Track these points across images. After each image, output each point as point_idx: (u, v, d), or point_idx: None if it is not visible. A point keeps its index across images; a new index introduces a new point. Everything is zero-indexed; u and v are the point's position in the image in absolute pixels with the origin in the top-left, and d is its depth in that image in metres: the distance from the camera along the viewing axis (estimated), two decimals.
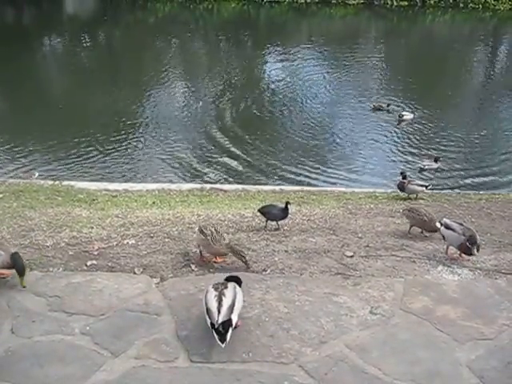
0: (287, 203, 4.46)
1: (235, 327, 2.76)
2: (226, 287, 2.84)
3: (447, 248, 3.88)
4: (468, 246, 3.62)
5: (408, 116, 10.89)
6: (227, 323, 2.67)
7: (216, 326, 2.64)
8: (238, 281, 2.99)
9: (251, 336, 2.84)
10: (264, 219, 4.55)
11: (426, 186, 6.26)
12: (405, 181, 6.21)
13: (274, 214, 4.45)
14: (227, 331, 2.65)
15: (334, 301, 3.18)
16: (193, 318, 2.96)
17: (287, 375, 2.59)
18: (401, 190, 6.25)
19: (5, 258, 3.11)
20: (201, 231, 3.58)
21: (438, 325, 3.00)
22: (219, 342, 2.63)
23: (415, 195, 6.22)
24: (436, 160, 8.76)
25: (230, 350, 2.73)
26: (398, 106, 11.63)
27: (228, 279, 2.97)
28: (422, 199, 6.13)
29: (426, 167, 8.70)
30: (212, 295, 2.78)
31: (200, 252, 3.63)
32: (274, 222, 4.52)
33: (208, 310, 2.72)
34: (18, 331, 2.83)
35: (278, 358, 2.69)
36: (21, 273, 3.08)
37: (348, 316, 3.04)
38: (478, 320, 3.05)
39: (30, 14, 24.09)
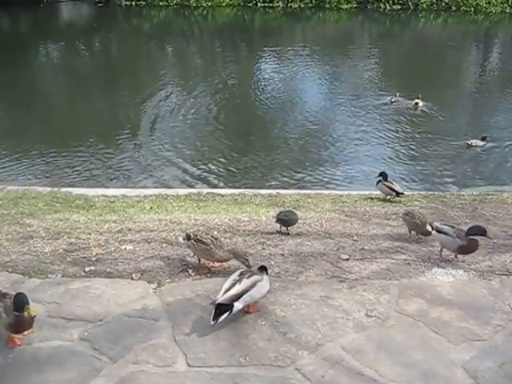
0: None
1: (248, 312, 3.01)
2: (249, 276, 3.00)
3: (441, 250, 3.92)
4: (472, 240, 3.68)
5: (421, 103, 11.92)
6: (225, 307, 2.84)
7: (212, 303, 2.87)
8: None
9: (248, 340, 2.87)
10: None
11: (398, 194, 6.19)
12: (382, 180, 6.27)
13: (294, 219, 4.47)
14: (222, 314, 2.83)
15: (330, 304, 3.21)
16: (190, 323, 2.99)
17: (284, 378, 2.62)
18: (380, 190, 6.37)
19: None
20: (198, 240, 3.49)
21: (433, 326, 3.03)
22: (211, 319, 2.83)
23: (385, 195, 6.24)
24: (483, 139, 9.59)
25: (227, 353, 2.76)
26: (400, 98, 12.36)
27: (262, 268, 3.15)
28: (417, 201, 6.17)
29: (473, 144, 9.49)
30: (232, 277, 3.02)
31: (199, 260, 3.62)
32: (278, 225, 4.54)
33: (221, 289, 2.94)
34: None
35: (275, 361, 2.72)
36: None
37: (344, 319, 3.07)
38: (473, 321, 3.09)
39: (25, 22, 24.10)
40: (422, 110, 11.84)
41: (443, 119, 11.36)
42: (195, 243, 3.51)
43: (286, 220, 4.44)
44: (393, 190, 6.20)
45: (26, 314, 2.68)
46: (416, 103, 11.94)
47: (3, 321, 2.71)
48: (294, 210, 4.74)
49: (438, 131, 10.52)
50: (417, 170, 8.90)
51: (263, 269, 3.18)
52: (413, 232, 4.40)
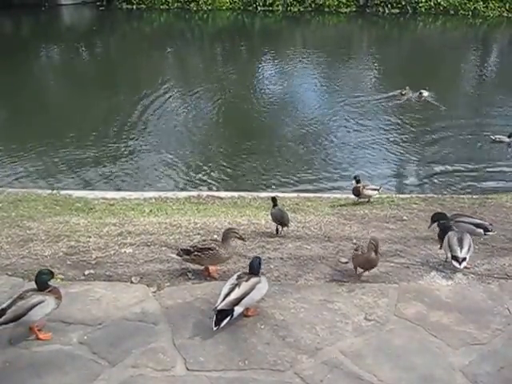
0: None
1: (247, 316, 3.02)
2: (247, 280, 3.01)
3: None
4: None
5: (426, 93, 12.63)
6: (226, 312, 2.87)
7: (213, 310, 2.90)
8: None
9: (247, 344, 2.87)
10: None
11: (378, 190, 6.18)
12: (359, 185, 6.08)
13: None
14: (223, 319, 2.86)
15: (329, 307, 3.22)
16: (189, 327, 3.00)
17: (283, 383, 2.62)
18: (356, 195, 6.06)
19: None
20: (203, 249, 3.44)
21: (432, 330, 3.04)
22: (212, 325, 2.86)
23: (367, 199, 6.16)
24: (510, 136, 9.72)
25: (226, 358, 2.76)
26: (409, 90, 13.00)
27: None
28: (415, 204, 6.15)
29: (497, 139, 9.74)
30: (230, 282, 3.02)
31: (207, 269, 3.59)
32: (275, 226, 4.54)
33: (219, 294, 2.96)
34: (16, 342, 2.85)
35: (274, 365, 2.73)
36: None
37: (343, 322, 3.08)
38: (471, 325, 3.10)
39: (27, 25, 24.18)
40: (426, 100, 12.43)
41: (448, 113, 11.67)
42: (200, 253, 3.45)
43: (286, 220, 4.44)
44: (374, 189, 6.16)
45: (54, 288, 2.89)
46: (420, 93, 12.63)
47: (53, 307, 2.86)
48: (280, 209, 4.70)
49: (445, 128, 10.62)
50: (422, 169, 8.90)
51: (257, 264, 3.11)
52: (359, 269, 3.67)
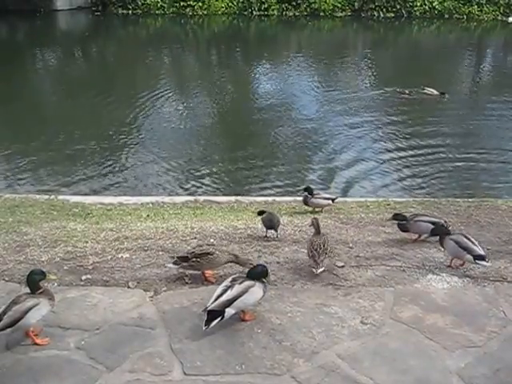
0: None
1: (244, 320, 3.05)
2: (241, 282, 3.01)
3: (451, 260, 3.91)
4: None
5: (430, 90, 13.01)
6: (216, 313, 2.89)
7: (203, 310, 2.93)
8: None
9: (244, 348, 2.88)
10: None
11: (333, 200, 6.01)
12: (309, 195, 5.91)
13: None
14: (213, 319, 2.88)
15: (326, 311, 3.23)
16: (186, 331, 3.00)
17: None
18: (305, 204, 5.98)
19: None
20: (202, 255, 3.43)
21: (428, 333, 3.06)
22: (203, 325, 2.89)
23: (321, 209, 6.02)
24: None
25: (223, 362, 2.77)
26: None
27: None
28: (412, 207, 6.18)
29: None
30: (224, 284, 3.04)
31: (204, 274, 3.58)
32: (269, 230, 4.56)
33: (213, 294, 2.99)
34: (13, 347, 2.85)
35: (271, 369, 2.74)
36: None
37: (339, 326, 3.09)
38: (467, 328, 3.12)
39: (23, 31, 24.20)
40: (427, 96, 12.84)
41: (450, 110, 11.93)
42: (199, 259, 3.44)
43: (274, 224, 4.46)
44: (328, 198, 6.00)
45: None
46: (423, 88, 13.03)
47: (48, 309, 2.89)
48: (272, 212, 4.73)
49: (446, 127, 10.76)
50: (420, 172, 8.92)
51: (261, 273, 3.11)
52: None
